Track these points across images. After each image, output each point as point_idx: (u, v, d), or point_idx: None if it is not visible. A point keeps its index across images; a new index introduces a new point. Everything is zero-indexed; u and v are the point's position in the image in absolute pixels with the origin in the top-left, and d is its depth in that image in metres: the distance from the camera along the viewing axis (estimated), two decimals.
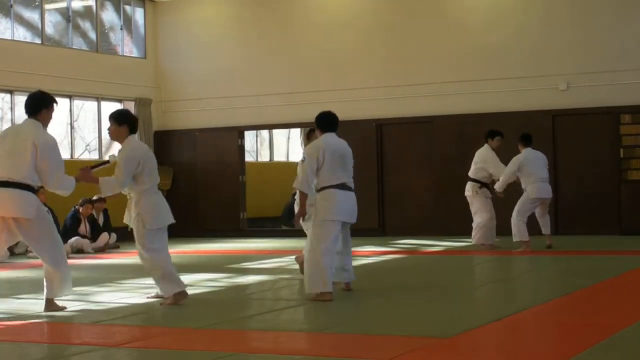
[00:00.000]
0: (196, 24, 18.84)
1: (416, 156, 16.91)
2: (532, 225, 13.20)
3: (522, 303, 7.86)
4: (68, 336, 6.93)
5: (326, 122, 8.70)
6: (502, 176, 12.94)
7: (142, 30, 19.05)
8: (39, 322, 7.43)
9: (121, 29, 18.62)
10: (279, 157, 23.25)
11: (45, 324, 7.38)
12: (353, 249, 9.18)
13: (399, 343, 6.10)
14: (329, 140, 8.58)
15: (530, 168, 12.79)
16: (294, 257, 10.62)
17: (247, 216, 18.63)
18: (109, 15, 18.47)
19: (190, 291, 9.28)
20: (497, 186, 13.05)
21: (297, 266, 11.58)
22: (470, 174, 13.49)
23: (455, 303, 8.20)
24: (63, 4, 17.46)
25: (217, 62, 18.57)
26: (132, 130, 8.50)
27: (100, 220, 16.04)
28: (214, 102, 18.52)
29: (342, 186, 8.51)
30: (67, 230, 15.38)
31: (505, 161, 13.07)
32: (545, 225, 13.21)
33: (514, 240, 12.89)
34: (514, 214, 12.86)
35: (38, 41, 16.81)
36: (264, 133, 22.54)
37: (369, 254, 12.53)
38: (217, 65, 18.54)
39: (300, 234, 17.98)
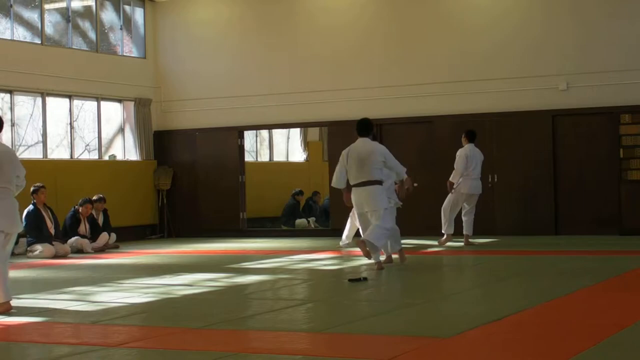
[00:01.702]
0: (196, 24, 18.84)
1: (416, 156, 16.90)
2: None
3: (522, 303, 7.86)
4: (68, 336, 6.93)
5: (358, 128, 10.88)
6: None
7: (141, 30, 19.05)
8: (39, 322, 7.43)
9: (121, 29, 18.61)
10: (279, 157, 23.24)
11: (46, 324, 7.38)
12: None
13: (399, 343, 6.10)
14: (355, 145, 10.82)
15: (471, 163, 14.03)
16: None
17: (247, 216, 18.62)
18: (108, 15, 18.47)
19: (190, 291, 9.30)
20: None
21: (297, 266, 11.64)
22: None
23: (455, 303, 8.20)
24: (63, 4, 17.45)
25: (217, 62, 18.58)
26: None
27: (100, 220, 16.04)
28: (213, 102, 18.52)
29: (357, 184, 10.72)
30: (67, 230, 15.39)
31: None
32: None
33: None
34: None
35: (38, 41, 16.81)
36: (264, 133, 22.53)
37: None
38: (217, 65, 18.54)
39: (299, 234, 18.03)
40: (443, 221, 14.26)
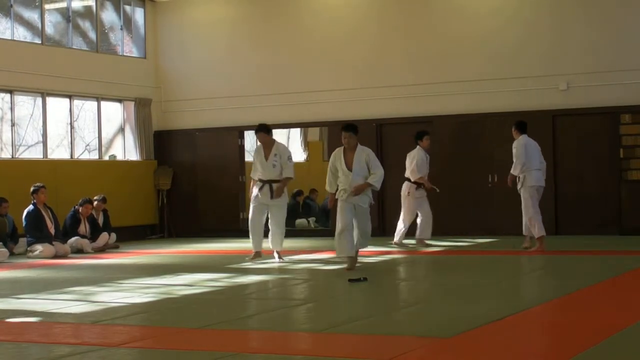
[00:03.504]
0: (196, 24, 18.84)
1: None
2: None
3: (522, 303, 7.86)
4: (68, 336, 6.93)
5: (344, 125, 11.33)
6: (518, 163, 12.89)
7: (142, 30, 19.04)
8: (39, 322, 7.44)
9: (121, 28, 18.61)
10: None
11: (45, 324, 7.38)
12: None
13: (399, 343, 6.10)
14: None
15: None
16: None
17: (247, 216, 18.58)
18: (108, 15, 18.47)
19: (190, 291, 9.31)
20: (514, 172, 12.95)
21: (296, 266, 11.65)
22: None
23: (456, 303, 8.20)
24: (63, 4, 17.45)
25: (217, 62, 18.57)
26: None
27: (100, 220, 16.04)
28: (214, 102, 18.52)
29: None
30: (67, 230, 15.39)
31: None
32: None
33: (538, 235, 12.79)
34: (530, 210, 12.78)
35: (38, 41, 16.81)
36: None
37: (368, 253, 12.52)
38: (217, 65, 18.54)
39: (299, 234, 18.01)
40: (532, 227, 12.83)
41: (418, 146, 14.32)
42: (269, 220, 12.55)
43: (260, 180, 12.43)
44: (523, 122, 13.29)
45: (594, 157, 15.86)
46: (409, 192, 14.30)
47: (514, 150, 12.95)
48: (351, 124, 11.48)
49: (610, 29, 15.80)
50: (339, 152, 11.15)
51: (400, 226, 14.31)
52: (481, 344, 6.14)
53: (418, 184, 14.26)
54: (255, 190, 12.50)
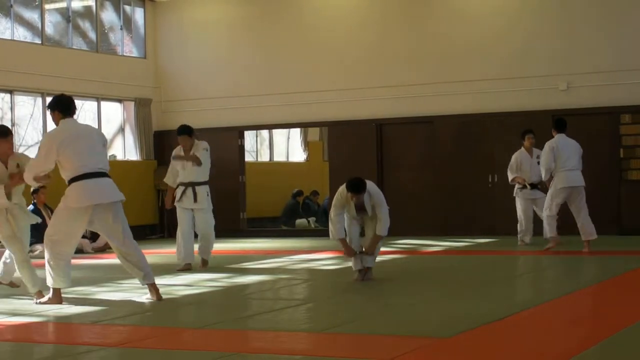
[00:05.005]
0: (196, 24, 18.84)
1: (416, 156, 16.91)
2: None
3: (522, 303, 7.86)
4: (68, 336, 6.93)
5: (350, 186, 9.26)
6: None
7: (142, 30, 19.05)
8: (39, 322, 7.43)
9: (121, 29, 18.61)
10: (279, 157, 23.25)
11: (45, 324, 7.38)
12: None
13: (399, 343, 6.10)
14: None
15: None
16: None
17: (247, 216, 18.62)
18: (108, 15, 18.47)
19: (190, 291, 9.31)
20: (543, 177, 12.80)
21: (297, 266, 11.63)
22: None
23: (455, 303, 8.20)
24: (63, 4, 17.45)
25: (217, 62, 18.57)
26: (64, 112, 8.50)
27: None
28: (213, 102, 18.51)
29: None
30: None
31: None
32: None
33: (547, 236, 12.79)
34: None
35: (38, 41, 16.81)
36: (264, 133, 22.54)
37: None
38: (217, 65, 18.54)
39: (299, 234, 18.01)
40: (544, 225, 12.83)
41: (522, 147, 13.96)
42: (196, 226, 12.06)
43: (182, 184, 12.05)
44: (560, 119, 12.96)
45: (594, 157, 15.82)
46: (515, 193, 13.96)
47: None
48: (360, 184, 9.34)
49: (610, 29, 15.80)
50: (348, 200, 9.39)
51: (519, 227, 13.92)
52: (481, 344, 6.14)
53: (531, 185, 13.79)
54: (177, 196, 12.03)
